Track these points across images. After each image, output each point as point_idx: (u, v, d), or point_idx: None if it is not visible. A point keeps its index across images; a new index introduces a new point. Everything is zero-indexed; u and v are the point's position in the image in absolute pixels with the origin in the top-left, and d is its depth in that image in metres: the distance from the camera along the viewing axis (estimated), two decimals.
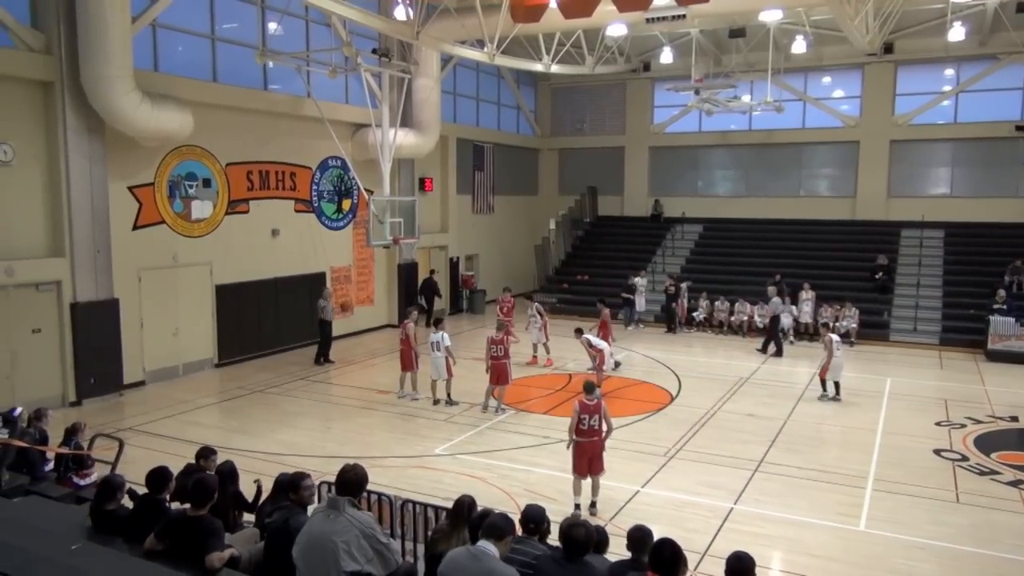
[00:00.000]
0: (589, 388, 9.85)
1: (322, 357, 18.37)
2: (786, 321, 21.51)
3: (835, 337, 15.50)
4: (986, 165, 25.23)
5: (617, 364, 17.46)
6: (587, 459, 9.61)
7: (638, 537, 5.20)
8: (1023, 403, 15.04)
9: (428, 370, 14.80)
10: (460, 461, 11.60)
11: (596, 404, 9.62)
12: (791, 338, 21.16)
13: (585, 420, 9.57)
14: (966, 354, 19.72)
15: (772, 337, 19.90)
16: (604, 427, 9.65)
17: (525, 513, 5.71)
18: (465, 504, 5.98)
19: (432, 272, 25.01)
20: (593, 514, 9.53)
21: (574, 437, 9.65)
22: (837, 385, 15.25)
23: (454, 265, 26.55)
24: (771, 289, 20.45)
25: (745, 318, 22.16)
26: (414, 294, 23.69)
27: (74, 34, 13.86)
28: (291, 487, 6.19)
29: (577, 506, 9.63)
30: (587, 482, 9.75)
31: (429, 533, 6.56)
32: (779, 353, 19.64)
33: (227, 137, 17.64)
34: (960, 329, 20.75)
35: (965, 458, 11.87)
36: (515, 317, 19.99)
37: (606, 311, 18.02)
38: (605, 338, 16.95)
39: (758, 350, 20.01)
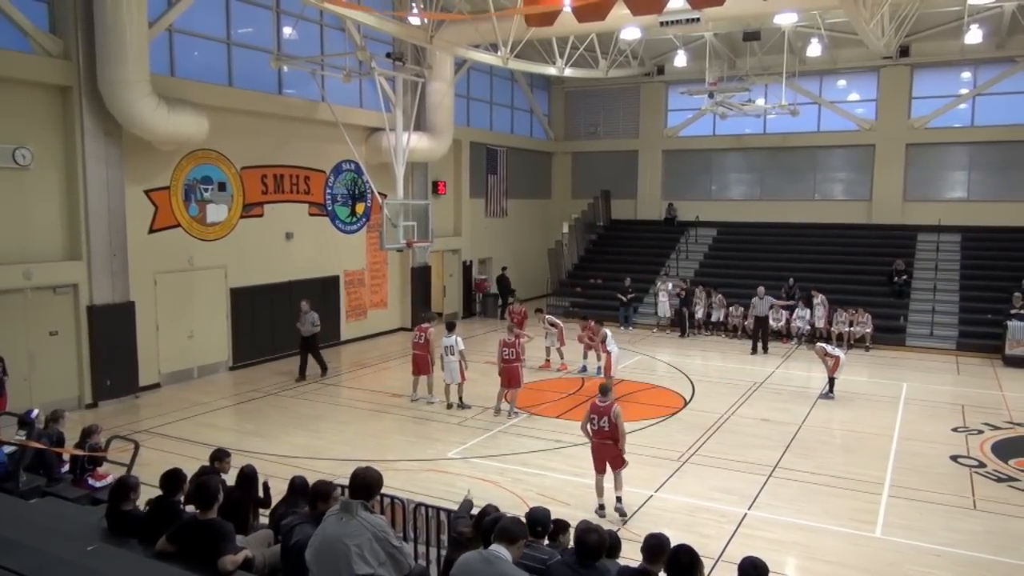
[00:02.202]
0: (604, 390, 9.93)
1: (321, 370, 17.39)
2: (799, 325, 21.61)
3: (825, 346, 16.19)
4: (1003, 169, 24.97)
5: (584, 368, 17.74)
6: (602, 460, 9.73)
7: (654, 545, 5.03)
8: None
9: (441, 374, 14.82)
10: (473, 465, 11.61)
11: (608, 406, 9.67)
12: (805, 343, 21.09)
13: (595, 420, 9.68)
14: (983, 359, 19.54)
15: (756, 337, 20.49)
16: (618, 431, 9.59)
17: (530, 516, 5.69)
18: (488, 516, 5.86)
19: (504, 268, 26.82)
20: (619, 510, 9.59)
21: (591, 438, 9.77)
22: (832, 383, 15.80)
23: (467, 269, 26.58)
24: (760, 290, 20.76)
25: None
26: (428, 298, 23.75)
27: (92, 39, 14.00)
28: (322, 496, 5.86)
29: (601, 506, 9.69)
30: (610, 478, 9.77)
31: (452, 535, 6.48)
32: (764, 350, 20.27)
33: (242, 141, 17.76)
34: (977, 334, 20.55)
35: (982, 464, 11.76)
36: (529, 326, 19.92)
37: (590, 323, 17.82)
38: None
39: (751, 353, 20.23)
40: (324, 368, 17.52)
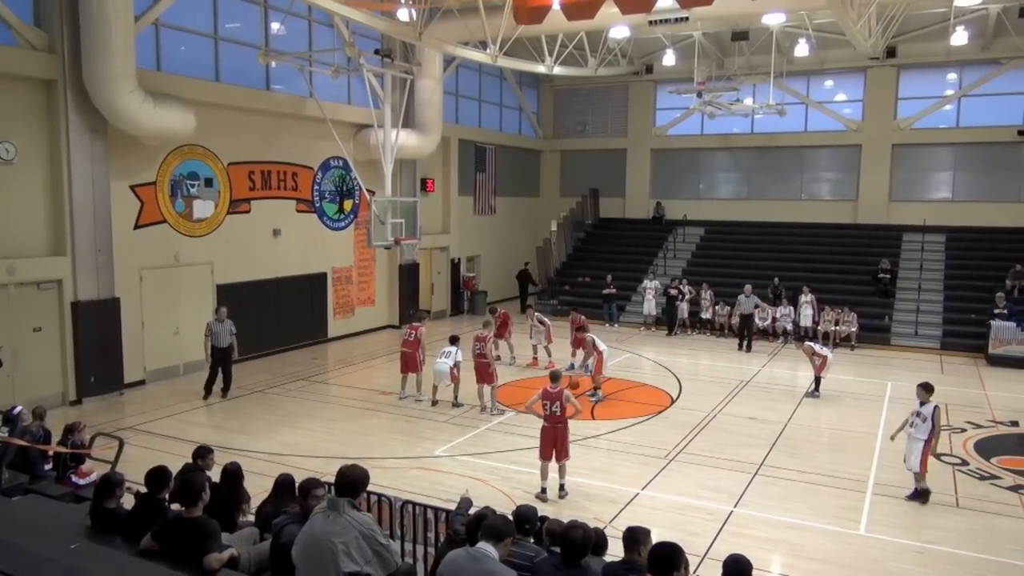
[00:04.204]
0: (554, 377, 10.53)
1: (220, 388, 15.17)
2: (784, 324, 21.73)
3: (814, 345, 16.35)
4: (988, 169, 25.20)
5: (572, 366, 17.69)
6: (551, 443, 10.17)
7: (629, 536, 5.16)
8: (1023, 408, 15.02)
9: (430, 372, 14.81)
10: (461, 462, 11.60)
11: (558, 391, 10.23)
12: (791, 342, 21.23)
13: (547, 406, 10.23)
14: (967, 358, 19.70)
15: (742, 335, 20.83)
16: (569, 412, 10.26)
17: (518, 514, 5.68)
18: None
19: (527, 264, 27.83)
20: (562, 497, 10.14)
21: (542, 421, 10.29)
22: (818, 381, 15.95)
23: (455, 266, 26.54)
24: (747, 288, 20.98)
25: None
26: (415, 295, 23.71)
27: (77, 33, 13.87)
28: (304, 493, 5.91)
29: (543, 490, 10.18)
30: (555, 468, 10.30)
31: (448, 532, 6.45)
32: (748, 348, 20.60)
33: (229, 137, 17.65)
34: (961, 334, 20.72)
35: (965, 463, 11.87)
36: (513, 323, 19.90)
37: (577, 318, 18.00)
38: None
39: (738, 350, 20.62)
40: (226, 387, 15.29)
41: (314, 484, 5.98)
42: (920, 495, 10.23)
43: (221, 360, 15.08)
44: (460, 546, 5.17)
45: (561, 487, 10.27)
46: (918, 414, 10.26)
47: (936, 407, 10.16)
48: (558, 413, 10.16)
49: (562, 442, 10.22)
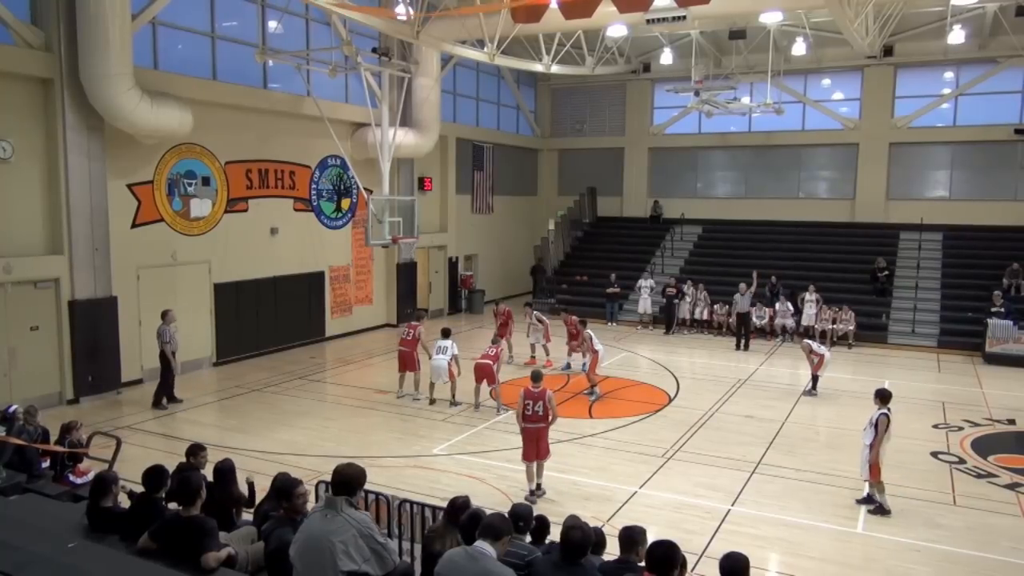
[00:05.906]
0: (536, 376, 10.51)
1: (163, 397, 14.42)
2: (784, 322, 21.74)
3: (811, 343, 16.35)
4: (985, 168, 25.23)
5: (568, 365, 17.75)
6: (534, 443, 10.13)
7: (626, 536, 5.20)
8: (1020, 406, 15.05)
9: (428, 371, 14.79)
10: (458, 461, 11.60)
11: (541, 391, 10.19)
12: (792, 339, 21.25)
13: (530, 405, 10.14)
14: (964, 357, 19.73)
15: (739, 333, 20.90)
16: (549, 415, 10.15)
17: (513, 512, 5.68)
18: (458, 504, 5.96)
19: (539, 260, 28.20)
20: (539, 495, 10.07)
21: (521, 423, 10.20)
22: (816, 380, 16.00)
23: (453, 265, 26.53)
24: (742, 286, 21.00)
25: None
26: (413, 294, 23.71)
27: (74, 31, 13.85)
28: (284, 495, 5.93)
29: (532, 491, 10.11)
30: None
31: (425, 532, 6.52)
32: (745, 347, 20.63)
33: (227, 135, 17.62)
34: (958, 332, 20.76)
35: (962, 461, 11.89)
36: (514, 322, 19.91)
37: (571, 318, 18.07)
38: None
39: (736, 349, 20.63)
40: (164, 397, 14.52)
41: (294, 484, 5.99)
42: (869, 500, 10.03)
43: (168, 366, 14.44)
44: (438, 541, 5.19)
45: (538, 486, 10.18)
46: (870, 419, 10.14)
47: (882, 414, 9.92)
48: (540, 413, 10.09)
49: (543, 441, 10.16)
